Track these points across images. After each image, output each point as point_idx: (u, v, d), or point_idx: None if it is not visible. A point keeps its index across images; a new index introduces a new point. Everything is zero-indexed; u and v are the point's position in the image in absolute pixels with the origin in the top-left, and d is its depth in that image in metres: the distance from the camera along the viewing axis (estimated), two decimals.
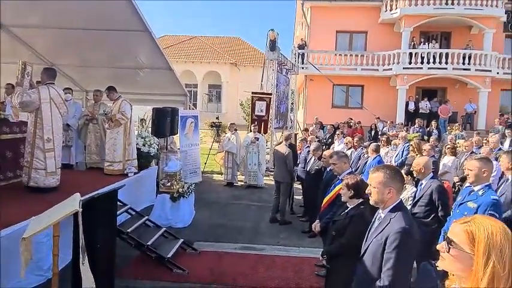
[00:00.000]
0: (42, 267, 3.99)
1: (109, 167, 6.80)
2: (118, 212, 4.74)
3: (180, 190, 6.71)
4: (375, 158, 6.87)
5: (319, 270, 4.74)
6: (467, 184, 3.86)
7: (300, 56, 17.86)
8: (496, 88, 17.30)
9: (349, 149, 8.78)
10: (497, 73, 16.98)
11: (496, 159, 6.17)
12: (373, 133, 14.62)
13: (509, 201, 4.07)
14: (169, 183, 6.76)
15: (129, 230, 4.74)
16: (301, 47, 18.45)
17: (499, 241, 1.23)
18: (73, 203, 3.03)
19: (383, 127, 15.09)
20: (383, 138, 9.46)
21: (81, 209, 3.01)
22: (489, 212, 3.16)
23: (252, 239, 6.16)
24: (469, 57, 16.69)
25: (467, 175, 3.56)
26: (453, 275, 1.37)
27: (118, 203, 4.72)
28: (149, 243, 4.81)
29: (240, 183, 10.48)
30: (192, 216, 7.03)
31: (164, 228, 5.52)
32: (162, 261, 4.77)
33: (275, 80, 12.29)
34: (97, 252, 3.46)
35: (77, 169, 7.59)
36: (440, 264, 1.39)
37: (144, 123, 12.22)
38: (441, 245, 1.37)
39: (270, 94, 11.86)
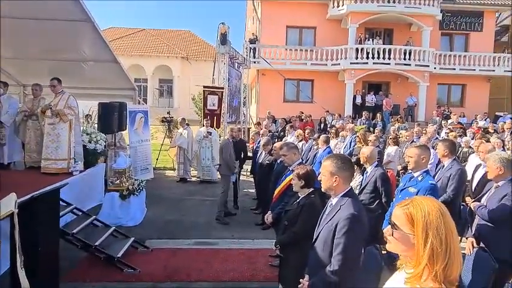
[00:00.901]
0: None
1: (51, 165, 6.37)
2: (62, 213, 4.48)
3: (130, 187, 6.48)
4: (325, 149, 7.09)
5: (273, 261, 4.81)
6: (408, 171, 4.11)
7: (252, 50, 17.90)
8: (433, 82, 18.59)
9: (300, 141, 8.97)
10: (435, 68, 18.25)
11: (433, 147, 6.63)
12: (322, 126, 15.07)
13: (445, 185, 4.40)
14: (118, 181, 6.50)
15: (74, 231, 4.49)
16: (252, 41, 18.47)
17: (435, 220, 1.31)
18: (8, 204, 2.80)
19: (332, 120, 15.62)
20: (332, 131, 9.78)
21: (17, 210, 2.79)
22: (427, 195, 3.38)
23: (206, 234, 6.11)
24: (410, 53, 17.72)
25: (408, 162, 3.79)
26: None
27: (61, 203, 4.47)
28: (97, 243, 4.60)
29: (193, 179, 10.34)
30: (144, 213, 6.83)
31: (113, 228, 5.31)
32: (112, 261, 4.58)
33: (227, 74, 12.20)
34: (39, 255, 3.25)
35: (14, 169, 7.05)
36: (388, 247, 1.46)
37: (89, 119, 11.64)
38: (387, 229, 1.44)
39: (222, 88, 11.77)
